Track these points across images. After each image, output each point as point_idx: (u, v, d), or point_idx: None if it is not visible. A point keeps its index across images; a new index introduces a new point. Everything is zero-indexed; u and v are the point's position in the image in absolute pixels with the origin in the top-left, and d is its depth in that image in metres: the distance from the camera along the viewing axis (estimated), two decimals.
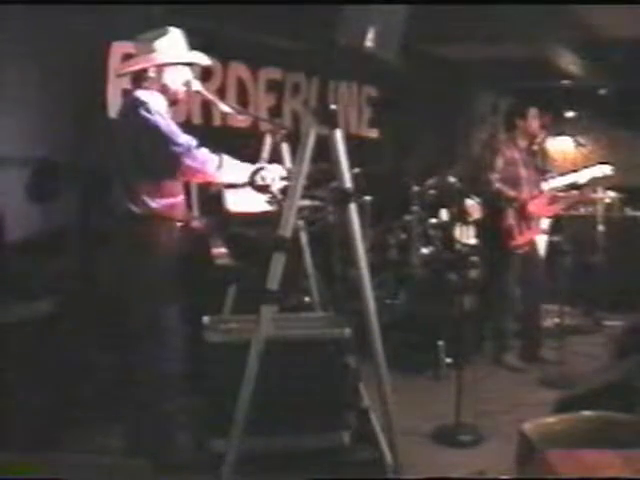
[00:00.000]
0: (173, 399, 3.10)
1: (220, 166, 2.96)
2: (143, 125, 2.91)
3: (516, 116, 4.83)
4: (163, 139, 2.90)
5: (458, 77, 7.20)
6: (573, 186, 4.98)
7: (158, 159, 2.95)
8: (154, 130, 2.90)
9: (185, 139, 2.94)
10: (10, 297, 3.42)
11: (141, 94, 3.00)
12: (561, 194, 4.95)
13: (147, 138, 2.92)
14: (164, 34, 3.02)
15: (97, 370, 3.74)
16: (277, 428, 3.09)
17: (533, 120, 4.78)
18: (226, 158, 3.00)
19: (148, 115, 2.91)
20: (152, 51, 3.01)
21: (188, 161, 2.90)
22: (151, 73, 3.03)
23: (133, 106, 2.97)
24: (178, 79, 3.09)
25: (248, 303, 3.39)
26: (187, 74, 3.14)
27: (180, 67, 3.10)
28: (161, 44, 3.01)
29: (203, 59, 3.22)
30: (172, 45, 3.04)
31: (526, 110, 4.78)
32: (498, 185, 4.70)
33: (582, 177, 4.84)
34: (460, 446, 3.49)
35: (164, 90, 3.06)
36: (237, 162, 3.05)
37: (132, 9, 4.01)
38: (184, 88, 3.13)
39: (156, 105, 2.97)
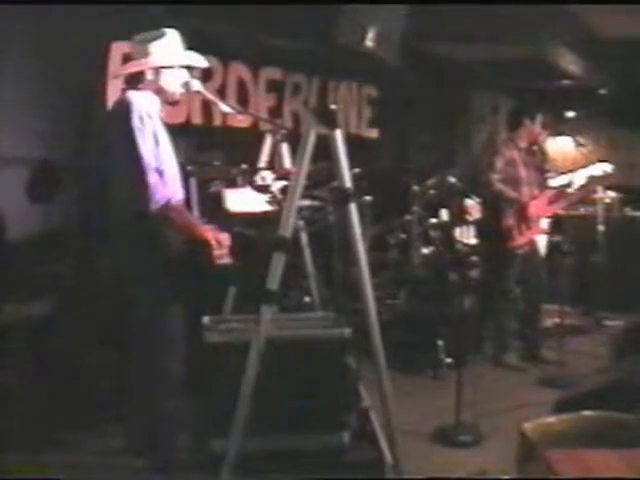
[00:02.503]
0: (173, 399, 3.10)
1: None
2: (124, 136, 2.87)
3: (520, 117, 4.82)
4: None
5: (458, 77, 7.20)
6: (573, 186, 4.98)
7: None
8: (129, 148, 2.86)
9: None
10: (8, 297, 3.42)
11: (134, 97, 2.95)
12: (561, 194, 4.95)
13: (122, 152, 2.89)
14: (160, 36, 3.00)
15: (97, 370, 3.74)
16: (277, 428, 3.09)
17: (537, 122, 4.78)
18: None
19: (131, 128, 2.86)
20: (148, 54, 2.99)
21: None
22: (148, 75, 3.00)
23: (121, 112, 2.93)
24: (175, 81, 3.07)
25: (248, 303, 3.40)
26: (184, 76, 3.12)
27: (177, 69, 3.08)
28: (157, 46, 2.98)
29: (200, 61, 3.17)
30: (168, 47, 3.01)
31: (530, 111, 4.78)
32: (498, 185, 4.70)
33: (582, 176, 4.83)
34: (460, 446, 3.48)
35: (160, 92, 3.03)
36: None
37: (132, 9, 4.01)
38: (181, 90, 3.11)
39: (146, 109, 2.92)
